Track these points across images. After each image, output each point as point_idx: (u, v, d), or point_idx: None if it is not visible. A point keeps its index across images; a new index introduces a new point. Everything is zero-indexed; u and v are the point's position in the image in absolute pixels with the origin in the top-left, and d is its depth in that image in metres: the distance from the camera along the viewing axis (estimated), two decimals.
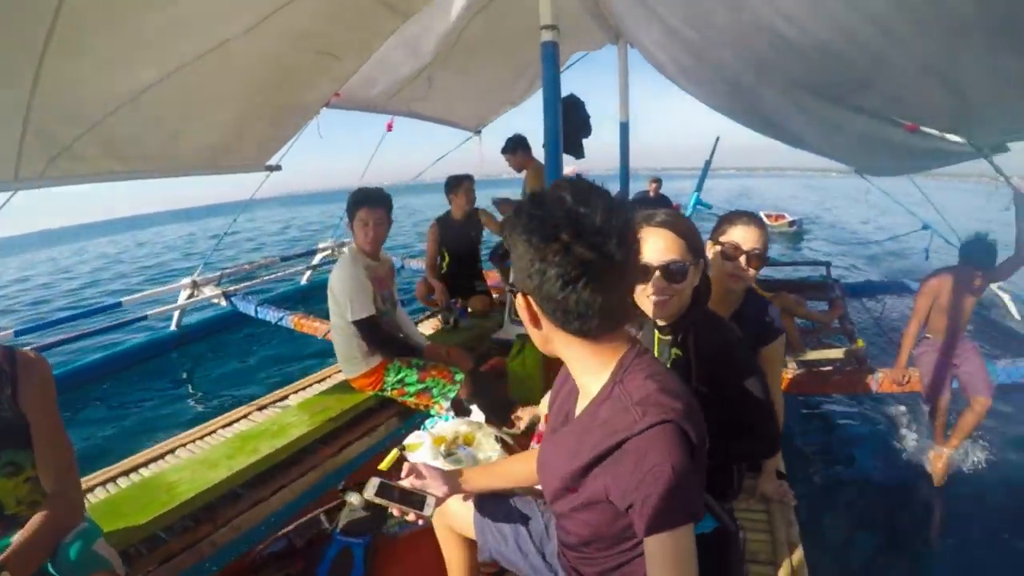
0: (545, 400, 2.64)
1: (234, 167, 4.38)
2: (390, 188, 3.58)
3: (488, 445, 2.95)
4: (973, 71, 2.40)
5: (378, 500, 1.50)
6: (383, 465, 2.85)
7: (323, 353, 5.79)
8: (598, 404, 1.18)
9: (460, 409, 3.25)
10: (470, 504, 1.74)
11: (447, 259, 5.15)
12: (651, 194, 9.16)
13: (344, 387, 3.44)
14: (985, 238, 3.66)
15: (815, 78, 3.14)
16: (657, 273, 1.62)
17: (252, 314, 6.19)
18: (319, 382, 3.79)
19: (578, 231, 1.01)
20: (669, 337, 1.78)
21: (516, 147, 5.57)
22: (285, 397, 3.55)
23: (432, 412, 3.27)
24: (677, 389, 1.14)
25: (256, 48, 3.08)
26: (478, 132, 7.30)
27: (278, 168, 4.81)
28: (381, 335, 3.26)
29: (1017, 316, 6.29)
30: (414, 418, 3.45)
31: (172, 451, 2.99)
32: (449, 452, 2.90)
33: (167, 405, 5.41)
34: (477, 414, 3.16)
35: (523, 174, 5.74)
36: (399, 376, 3.29)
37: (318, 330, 5.31)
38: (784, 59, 3.08)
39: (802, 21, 2.55)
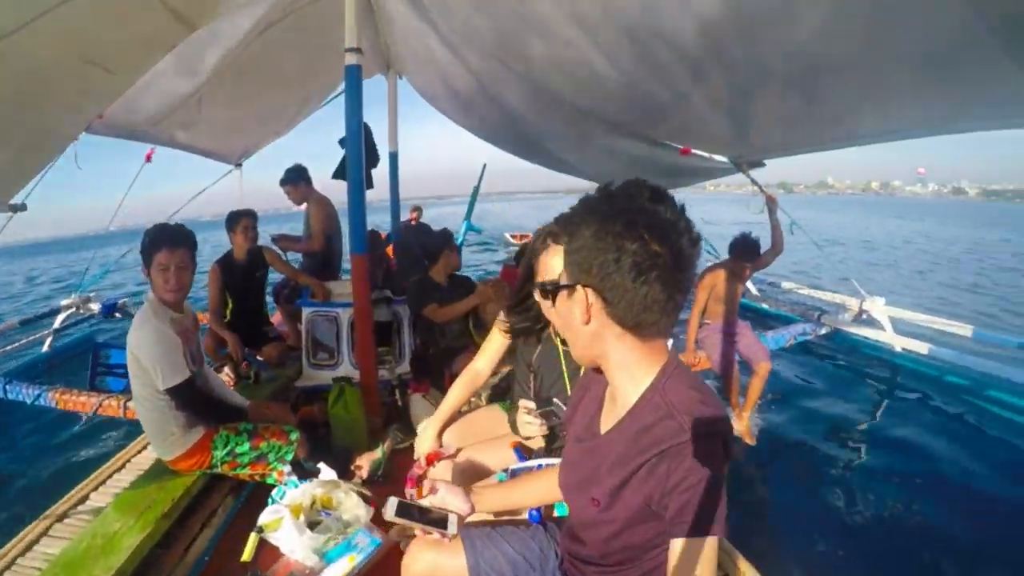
0: (427, 437, 2.59)
1: None
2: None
3: (351, 503, 2.80)
4: (756, 106, 2.87)
5: (398, 520, 1.46)
6: (245, 556, 2.53)
7: (104, 429, 5.04)
8: (639, 412, 1.20)
9: (302, 471, 3.04)
10: (453, 552, 1.63)
11: (231, 305, 4.72)
12: (412, 222, 9.20)
13: (160, 469, 2.98)
14: (749, 236, 4.29)
15: (614, 110, 3.46)
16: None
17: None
18: (120, 469, 3.26)
19: (654, 224, 1.04)
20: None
21: (299, 178, 5.31)
22: (86, 497, 2.98)
23: (270, 480, 3.01)
24: (718, 402, 1.19)
25: (8, 48, 2.36)
26: (239, 164, 6.88)
27: (23, 208, 3.97)
28: (201, 401, 2.92)
29: (756, 293, 8.02)
30: (249, 490, 3.19)
31: None
32: (312, 522, 2.69)
33: None
34: (327, 471, 2.95)
35: (303, 207, 5.48)
36: (228, 447, 2.96)
37: (86, 405, 4.52)
38: (587, 93, 3.37)
39: (621, 60, 2.79)
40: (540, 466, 2.11)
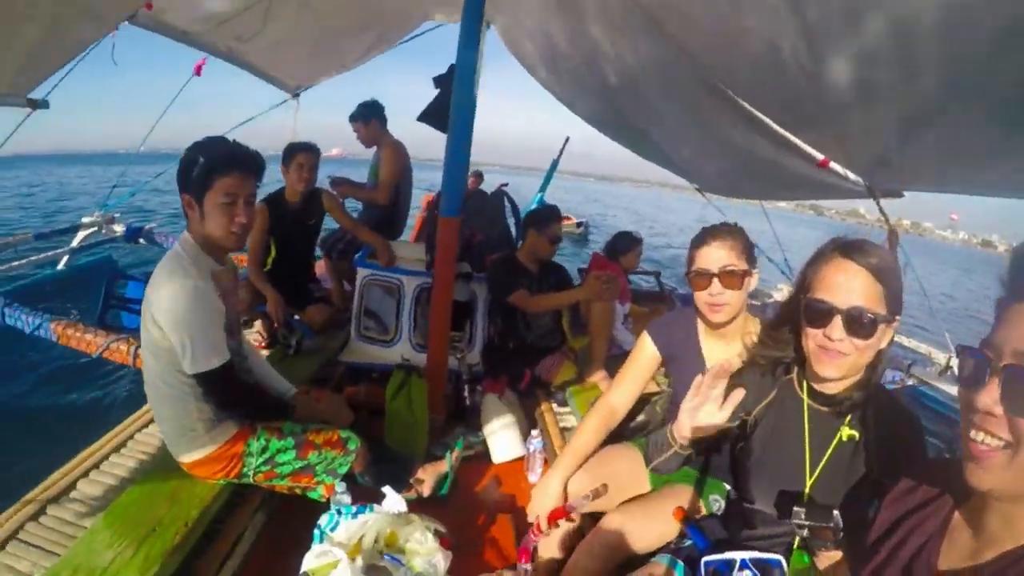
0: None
1: None
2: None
3: (425, 547, 2.03)
4: (952, 130, 2.13)
5: None
6: None
7: (106, 375, 4.56)
8: None
9: (355, 485, 2.27)
10: None
11: (273, 253, 3.90)
12: (469, 187, 8.36)
13: (168, 468, 2.17)
14: None
15: (768, 101, 2.67)
16: (838, 319, 1.29)
17: None
18: (119, 449, 2.53)
19: None
20: (828, 409, 1.42)
21: (372, 115, 4.48)
22: (72, 485, 2.25)
23: (313, 495, 2.25)
24: None
25: None
26: (296, 95, 6.06)
27: (44, 105, 3.24)
28: (240, 392, 2.14)
29: None
30: (280, 502, 2.46)
31: None
32: (371, 566, 1.95)
33: None
34: (393, 498, 2.14)
35: (372, 150, 4.69)
36: (267, 454, 2.18)
37: (91, 345, 3.80)
38: (742, 73, 2.58)
39: (827, 45, 1.98)
40: (745, 564, 1.33)
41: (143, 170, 7.62)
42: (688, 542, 1.69)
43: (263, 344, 3.70)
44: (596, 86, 3.90)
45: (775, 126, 2.78)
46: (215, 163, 1.93)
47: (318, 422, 2.37)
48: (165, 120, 5.68)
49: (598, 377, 3.29)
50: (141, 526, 1.90)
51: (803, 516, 1.26)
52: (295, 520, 2.14)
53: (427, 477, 2.67)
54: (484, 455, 3.12)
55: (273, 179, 3.63)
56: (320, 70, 5.92)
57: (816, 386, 1.43)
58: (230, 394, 2.08)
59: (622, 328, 4.01)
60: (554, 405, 3.32)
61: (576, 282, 4.04)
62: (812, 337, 1.34)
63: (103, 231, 6.93)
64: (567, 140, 10.09)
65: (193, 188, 1.94)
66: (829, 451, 1.40)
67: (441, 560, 1.94)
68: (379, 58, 5.89)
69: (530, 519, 1.90)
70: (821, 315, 1.30)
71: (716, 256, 1.85)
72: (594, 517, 1.98)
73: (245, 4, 3.71)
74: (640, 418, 2.46)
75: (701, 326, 2.04)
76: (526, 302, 3.39)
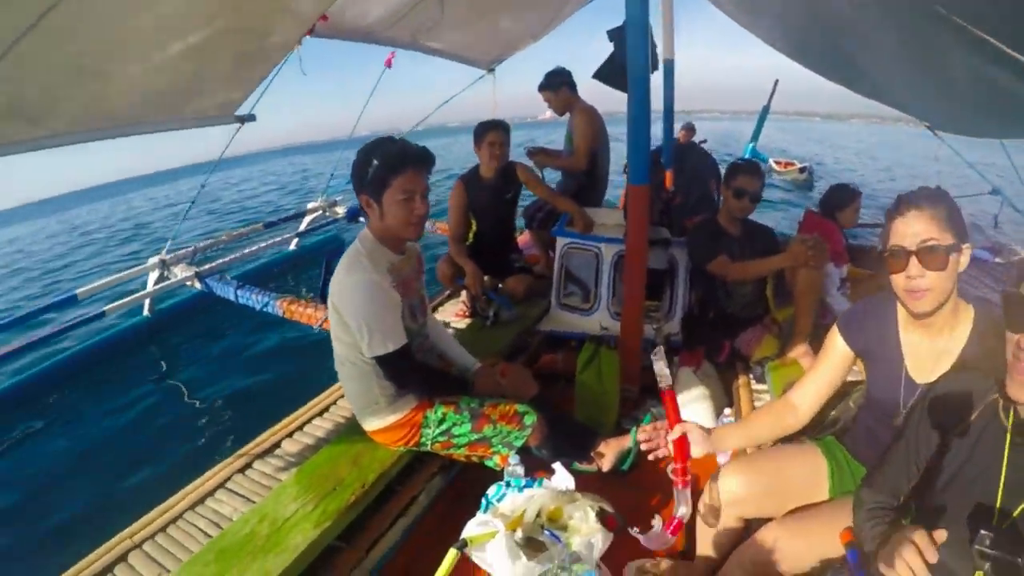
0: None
1: (191, 120, 3.29)
2: (368, 138, 2.47)
3: (587, 526, 1.96)
4: None
5: None
6: None
7: (327, 344, 4.82)
8: None
9: (531, 458, 2.25)
10: None
11: (474, 228, 3.99)
12: (681, 141, 7.88)
13: (357, 434, 2.37)
14: None
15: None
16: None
17: (232, 298, 5.10)
18: (321, 414, 2.77)
19: None
20: None
21: (562, 84, 4.36)
22: (277, 444, 2.52)
23: (489, 463, 2.30)
24: None
25: None
26: (491, 70, 6.15)
27: (251, 118, 3.71)
28: (416, 372, 2.23)
29: None
30: (459, 470, 2.55)
31: (123, 557, 2.00)
32: (530, 539, 1.93)
33: (155, 412, 4.50)
34: (562, 474, 2.10)
35: (565, 117, 4.57)
36: (444, 426, 2.26)
37: (312, 318, 4.23)
38: None
39: None
40: None
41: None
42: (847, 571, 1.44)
43: (466, 313, 3.82)
44: (799, 19, 3.48)
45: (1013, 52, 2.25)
46: (390, 163, 2.00)
47: (498, 396, 2.39)
48: (372, 108, 6.12)
49: (799, 352, 2.92)
50: (324, 484, 2.13)
51: (988, 543, 1.01)
52: (471, 488, 2.18)
53: (608, 452, 2.57)
54: None
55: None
56: (510, 44, 5.93)
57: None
58: (407, 374, 2.18)
59: (838, 295, 3.46)
60: (752, 381, 3.03)
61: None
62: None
63: (327, 213, 7.59)
64: (776, 83, 9.22)
65: (370, 188, 2.03)
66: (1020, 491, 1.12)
67: (600, 540, 1.87)
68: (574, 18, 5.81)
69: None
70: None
71: (913, 229, 1.45)
72: (759, 521, 1.77)
73: (409, 3, 3.85)
74: (831, 414, 2.04)
75: (902, 315, 1.65)
76: (724, 269, 3.09)
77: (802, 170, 16.55)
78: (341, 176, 7.55)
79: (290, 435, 2.59)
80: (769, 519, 1.75)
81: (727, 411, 2.71)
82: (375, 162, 1.99)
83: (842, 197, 3.86)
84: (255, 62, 3.23)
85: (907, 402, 1.58)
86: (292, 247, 7.42)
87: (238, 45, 2.90)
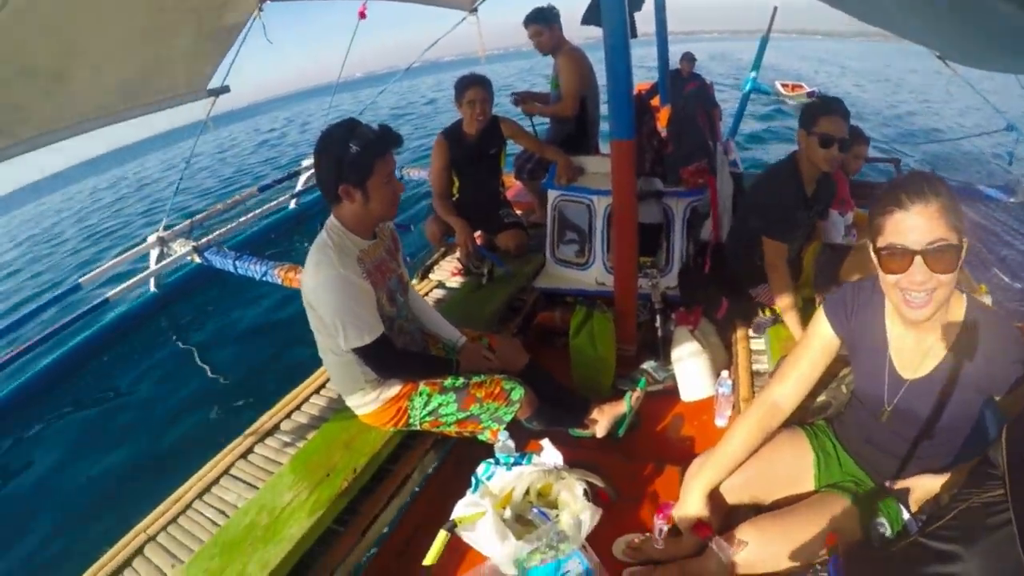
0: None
1: (165, 102, 3.25)
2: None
3: (575, 503, 2.00)
4: None
5: None
6: (428, 559, 1.84)
7: None
8: None
9: (522, 429, 2.38)
10: None
11: (457, 183, 3.84)
12: (683, 73, 7.51)
13: (351, 414, 2.39)
14: None
15: None
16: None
17: (231, 270, 5.13)
18: (318, 391, 2.79)
19: None
20: None
21: (549, 20, 4.14)
22: (277, 426, 2.56)
23: (481, 437, 2.31)
24: None
25: None
26: (474, 10, 5.89)
27: (226, 90, 3.75)
28: (397, 358, 2.23)
29: None
30: (452, 445, 2.59)
31: (140, 550, 2.07)
32: (519, 516, 2.01)
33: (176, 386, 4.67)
34: (550, 451, 2.12)
35: (551, 60, 4.39)
36: (430, 407, 2.27)
37: None
38: None
39: None
40: None
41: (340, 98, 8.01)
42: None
43: (459, 272, 3.73)
44: None
45: None
46: (374, 148, 1.94)
47: (485, 372, 2.38)
48: (356, 50, 5.94)
49: (789, 320, 2.62)
50: (317, 472, 2.19)
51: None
52: (465, 463, 2.24)
53: (602, 418, 2.56)
54: (673, 391, 2.89)
55: None
56: None
57: None
58: (387, 362, 2.19)
59: (844, 243, 3.33)
60: (751, 336, 2.92)
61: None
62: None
63: None
64: (775, 10, 8.82)
65: (353, 176, 1.95)
66: None
67: (588, 517, 1.91)
68: None
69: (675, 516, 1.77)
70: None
71: (918, 226, 1.24)
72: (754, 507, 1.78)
73: None
74: (820, 398, 1.94)
75: (889, 308, 1.49)
76: (776, 260, 2.58)
77: (810, 94, 16.01)
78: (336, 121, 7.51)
79: (288, 415, 2.63)
80: (755, 505, 1.75)
81: (724, 374, 2.61)
82: (355, 148, 1.91)
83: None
84: (216, 34, 3.21)
85: (892, 399, 1.49)
86: (292, 205, 7.39)
87: (193, 20, 2.86)
